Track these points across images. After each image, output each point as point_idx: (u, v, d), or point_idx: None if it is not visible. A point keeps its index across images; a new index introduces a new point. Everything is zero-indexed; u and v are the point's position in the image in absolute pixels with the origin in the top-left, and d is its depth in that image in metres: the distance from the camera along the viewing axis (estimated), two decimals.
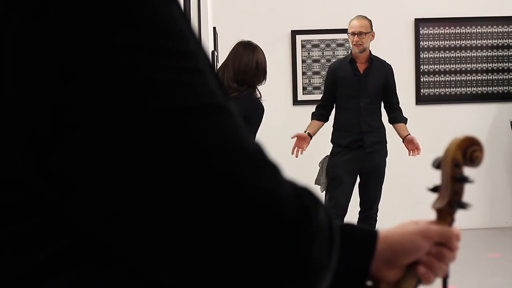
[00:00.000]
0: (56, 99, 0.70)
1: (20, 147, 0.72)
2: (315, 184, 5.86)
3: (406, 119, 5.94)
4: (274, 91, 7.31)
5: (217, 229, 0.73)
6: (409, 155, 5.88)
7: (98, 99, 0.70)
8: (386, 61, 5.90)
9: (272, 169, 0.79)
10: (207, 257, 0.74)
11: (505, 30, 7.52)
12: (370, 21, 5.78)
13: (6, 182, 0.75)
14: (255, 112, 4.58)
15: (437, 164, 1.12)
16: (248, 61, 4.65)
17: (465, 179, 1.09)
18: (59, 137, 0.71)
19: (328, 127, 5.94)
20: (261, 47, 4.83)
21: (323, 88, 6.15)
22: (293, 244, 0.77)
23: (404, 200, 7.20)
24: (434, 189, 1.13)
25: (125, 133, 0.71)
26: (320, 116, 5.91)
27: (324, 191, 5.83)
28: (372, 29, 5.77)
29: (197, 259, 0.74)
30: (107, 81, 0.71)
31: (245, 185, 0.74)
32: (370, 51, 5.80)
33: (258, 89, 4.76)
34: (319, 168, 5.91)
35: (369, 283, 1.06)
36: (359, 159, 5.75)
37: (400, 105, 5.93)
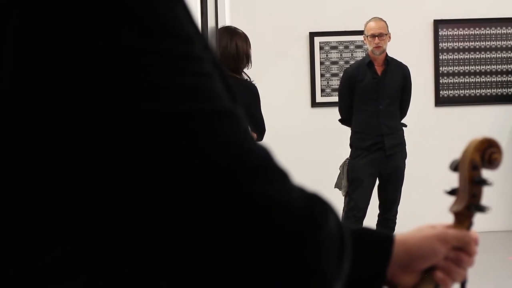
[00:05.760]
0: (58, 101, 0.69)
1: (20, 151, 0.71)
2: (335, 187, 5.84)
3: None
4: (292, 93, 7.31)
5: (222, 239, 0.71)
6: None
7: (100, 102, 0.69)
8: (403, 63, 5.88)
9: (280, 176, 0.76)
10: (211, 266, 0.72)
11: None
12: (386, 22, 5.77)
13: (6, 186, 0.74)
14: (251, 96, 4.55)
15: (455, 167, 1.09)
16: (227, 46, 4.60)
17: (483, 182, 1.07)
18: (61, 141, 0.69)
19: (347, 131, 5.92)
20: (245, 33, 4.77)
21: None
22: (301, 253, 0.74)
23: (423, 203, 7.15)
24: (452, 192, 1.11)
25: (127, 137, 0.69)
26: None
27: (345, 195, 5.82)
28: (388, 31, 5.76)
29: (201, 267, 0.72)
30: (109, 83, 0.69)
31: (251, 192, 0.72)
32: (386, 53, 5.79)
33: (245, 73, 4.71)
34: (339, 171, 5.89)
35: None
36: (379, 161, 5.73)
37: (405, 112, 5.92)
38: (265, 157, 0.76)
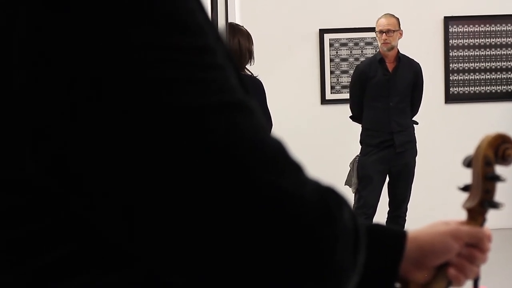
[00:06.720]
0: (65, 97, 0.68)
1: (29, 144, 0.70)
2: (345, 185, 5.83)
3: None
4: (302, 91, 7.30)
5: (234, 231, 0.71)
6: None
7: (114, 96, 0.68)
8: (415, 60, 5.86)
9: (294, 169, 0.76)
10: (222, 259, 0.71)
11: None
12: (397, 19, 5.75)
13: (11, 183, 0.73)
14: (257, 90, 4.56)
15: (468, 163, 1.09)
16: (229, 43, 4.60)
17: (496, 178, 1.07)
18: (73, 134, 0.69)
19: (357, 128, 5.90)
20: (247, 30, 4.76)
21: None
22: (315, 247, 0.74)
23: (434, 200, 7.14)
24: (465, 188, 1.11)
25: (141, 130, 0.69)
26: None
27: (355, 192, 5.81)
28: (400, 27, 5.73)
29: (212, 260, 0.72)
30: (122, 77, 0.68)
31: (264, 185, 0.71)
32: (398, 49, 5.77)
33: (247, 69, 4.72)
34: (349, 168, 5.88)
35: (397, 284, 1.04)
36: (389, 158, 5.72)
37: (417, 110, 5.89)
38: (279, 149, 0.75)
